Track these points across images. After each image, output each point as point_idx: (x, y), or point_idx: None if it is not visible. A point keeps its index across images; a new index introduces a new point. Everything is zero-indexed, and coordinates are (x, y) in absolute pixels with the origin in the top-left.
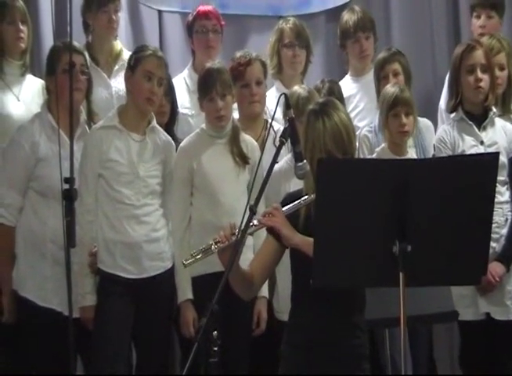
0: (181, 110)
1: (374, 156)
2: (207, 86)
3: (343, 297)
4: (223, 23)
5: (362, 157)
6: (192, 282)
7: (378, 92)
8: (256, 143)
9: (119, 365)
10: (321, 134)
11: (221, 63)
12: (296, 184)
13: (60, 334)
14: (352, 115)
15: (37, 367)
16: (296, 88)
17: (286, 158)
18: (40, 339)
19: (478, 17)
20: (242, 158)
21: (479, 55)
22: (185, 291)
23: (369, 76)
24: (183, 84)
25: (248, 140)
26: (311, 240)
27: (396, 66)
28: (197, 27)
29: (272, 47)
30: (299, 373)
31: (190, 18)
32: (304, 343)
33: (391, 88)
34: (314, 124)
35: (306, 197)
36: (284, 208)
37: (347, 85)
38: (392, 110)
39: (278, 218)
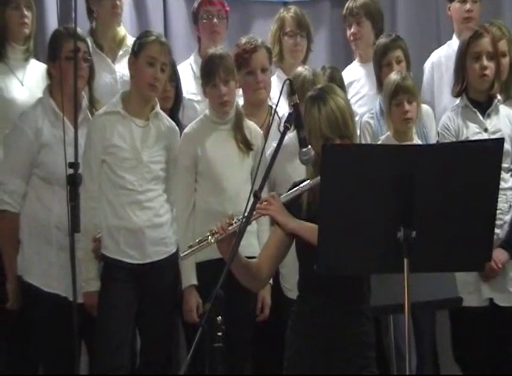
0: (187, 95)
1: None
2: (210, 72)
3: (348, 284)
4: (227, 8)
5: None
6: (198, 268)
7: (378, 77)
8: (259, 129)
9: (123, 351)
10: (316, 120)
11: (223, 49)
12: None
13: (65, 320)
14: (353, 101)
15: (42, 354)
16: (300, 69)
17: (290, 135)
18: (45, 325)
19: (464, 2)
20: (246, 144)
21: (486, 42)
22: (189, 277)
23: None
24: (189, 70)
25: (252, 126)
26: (307, 224)
27: (399, 53)
28: (202, 13)
29: (273, 35)
30: (303, 360)
31: (195, 5)
32: (310, 330)
33: (392, 77)
34: (310, 111)
35: (304, 183)
36: (282, 196)
37: (355, 70)
38: (394, 99)
39: (273, 205)
